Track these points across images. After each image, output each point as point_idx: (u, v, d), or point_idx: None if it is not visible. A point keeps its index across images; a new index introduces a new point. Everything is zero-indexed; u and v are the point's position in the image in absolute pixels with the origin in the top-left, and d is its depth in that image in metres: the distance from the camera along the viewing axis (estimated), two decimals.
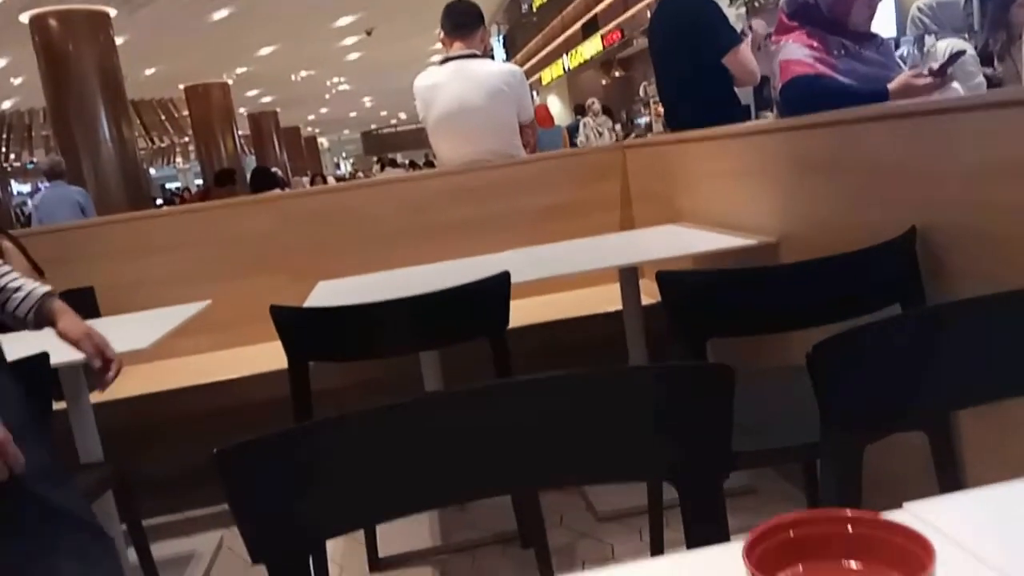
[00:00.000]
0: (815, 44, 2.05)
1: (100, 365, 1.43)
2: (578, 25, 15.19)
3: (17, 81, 13.89)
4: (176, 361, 3.00)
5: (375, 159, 23.48)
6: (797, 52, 2.07)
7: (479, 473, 0.93)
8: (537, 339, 2.74)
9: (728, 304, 1.50)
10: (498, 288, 1.77)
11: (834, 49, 2.03)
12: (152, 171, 23.58)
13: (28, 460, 1.12)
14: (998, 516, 0.64)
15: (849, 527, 0.48)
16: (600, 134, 8.12)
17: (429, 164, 16.20)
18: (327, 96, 22.40)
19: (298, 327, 1.76)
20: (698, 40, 3.05)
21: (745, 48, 3.06)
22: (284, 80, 17.41)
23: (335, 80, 20.07)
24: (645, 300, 2.52)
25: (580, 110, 12.64)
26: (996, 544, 0.58)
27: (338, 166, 30.22)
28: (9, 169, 22.33)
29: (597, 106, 9.42)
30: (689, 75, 3.12)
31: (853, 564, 0.47)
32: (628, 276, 2.46)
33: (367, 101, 25.20)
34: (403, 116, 28.24)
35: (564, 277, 2.56)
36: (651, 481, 1.58)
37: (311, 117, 26.34)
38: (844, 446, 0.86)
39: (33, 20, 9.82)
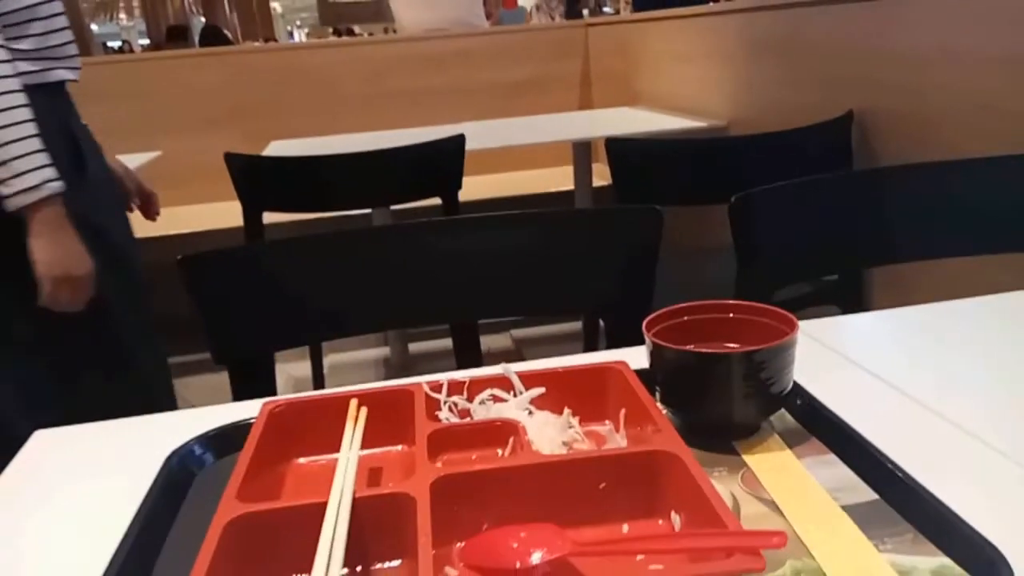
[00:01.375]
0: None
1: (139, 204, 1.46)
2: None
3: None
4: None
5: (331, 29, 22.53)
6: None
7: (422, 301, 1.00)
8: (488, 213, 2.80)
9: (671, 174, 1.57)
10: (452, 149, 1.80)
11: None
12: (94, 27, 22.31)
13: None
14: (885, 336, 0.74)
15: (731, 313, 0.56)
16: (552, 19, 7.98)
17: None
18: None
19: (253, 176, 1.78)
20: None
21: None
22: None
23: None
24: (597, 182, 2.59)
25: None
26: (878, 357, 0.68)
27: (292, 35, 28.93)
28: None
29: None
30: None
31: (732, 345, 0.55)
32: (581, 151, 2.52)
33: None
34: None
35: (517, 150, 2.59)
36: (583, 318, 1.67)
37: None
38: (754, 286, 0.95)
39: None
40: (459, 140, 1.81)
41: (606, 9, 14.23)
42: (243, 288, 0.93)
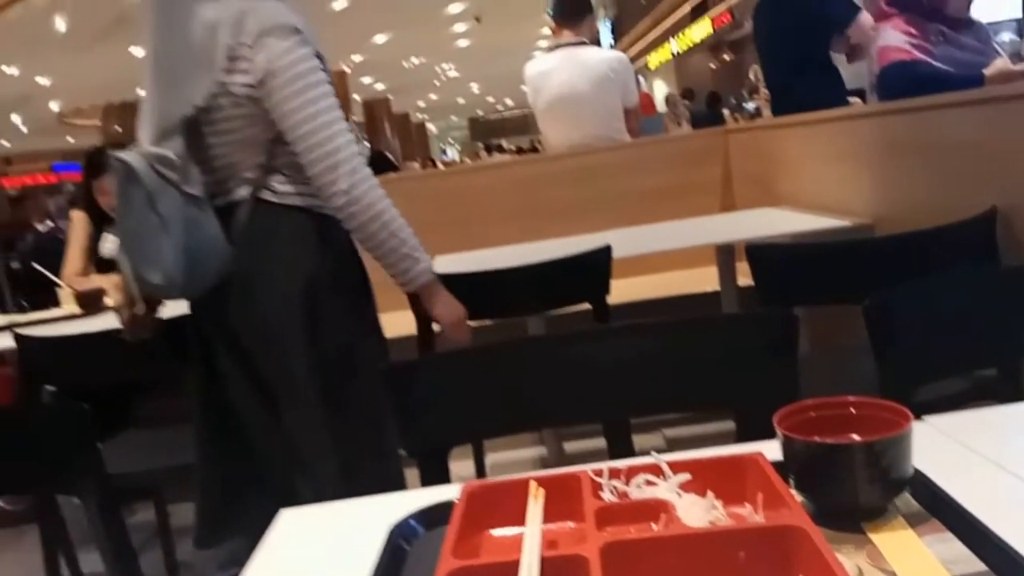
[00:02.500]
0: (912, 31, 2.12)
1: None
2: (687, 7, 15.03)
3: None
4: None
5: (481, 145, 23.87)
6: (895, 38, 2.15)
7: (577, 402, 1.12)
8: (636, 315, 2.91)
9: (811, 275, 1.64)
10: (600, 259, 1.95)
11: (931, 35, 2.11)
12: None
13: None
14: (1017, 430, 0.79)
15: (852, 409, 0.65)
16: (679, 124, 8.24)
17: (534, 149, 16.37)
18: (436, 83, 22.96)
19: None
20: (811, 23, 3.07)
21: (867, 16, 3.03)
22: (396, 67, 17.99)
23: (444, 67, 20.56)
24: (743, 282, 2.65)
25: (688, 95, 12.53)
26: (1016, 453, 0.74)
27: (444, 152, 30.89)
28: None
29: (675, 97, 9.58)
30: (797, 61, 3.16)
31: (855, 437, 0.64)
32: (725, 254, 2.60)
33: (475, 87, 25.64)
34: (509, 102, 28.56)
35: (663, 254, 2.71)
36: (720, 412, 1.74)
37: (421, 103, 27.01)
38: (896, 382, 1.01)
39: None
40: (606, 251, 1.96)
41: (747, 105, 14.35)
42: (430, 392, 1.09)
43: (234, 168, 1.52)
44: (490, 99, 28.81)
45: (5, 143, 21.37)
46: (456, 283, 2.00)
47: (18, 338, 1.99)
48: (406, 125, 26.67)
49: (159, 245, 1.42)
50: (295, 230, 1.53)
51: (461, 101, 28.04)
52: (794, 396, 1.09)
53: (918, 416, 0.75)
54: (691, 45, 15.48)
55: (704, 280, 3.01)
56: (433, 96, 25.70)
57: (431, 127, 33.03)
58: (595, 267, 1.97)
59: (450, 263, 2.67)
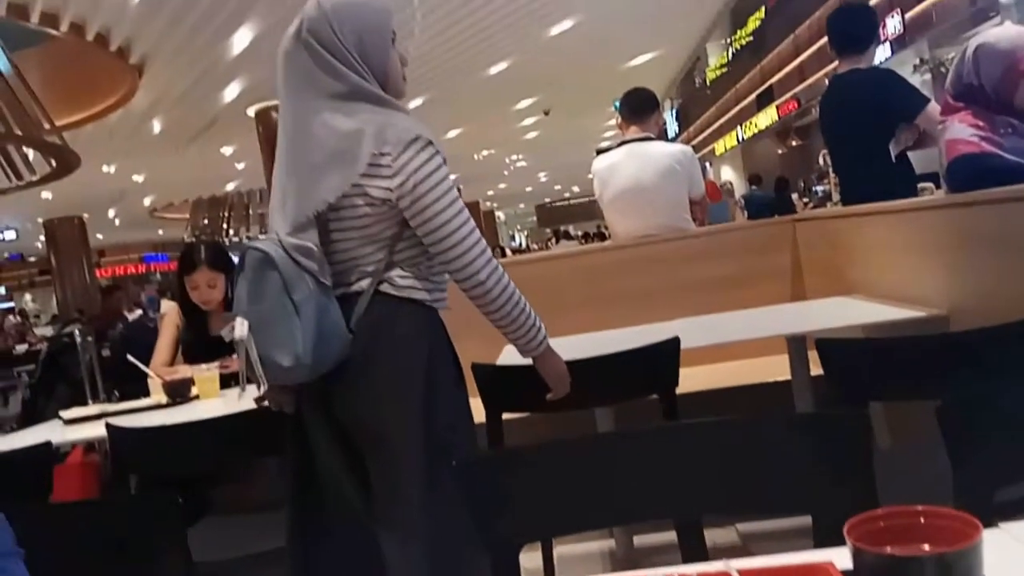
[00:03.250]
0: (981, 124, 2.12)
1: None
2: (752, 96, 15.20)
3: (240, 166, 15.81)
4: None
5: (549, 231, 24.21)
6: (963, 131, 2.15)
7: (647, 498, 1.13)
8: (706, 405, 2.87)
9: (884, 370, 1.61)
10: (668, 350, 1.97)
11: (1000, 128, 2.10)
12: None
13: None
14: None
15: (921, 519, 0.65)
16: (734, 218, 8.36)
17: (600, 235, 16.49)
18: (505, 172, 23.58)
19: (494, 382, 2.05)
20: (878, 113, 3.07)
21: (935, 105, 3.01)
22: (467, 159, 18.60)
23: (513, 157, 21.14)
24: (815, 371, 2.60)
25: (755, 180, 12.55)
26: None
27: (513, 238, 31.40)
28: (227, 243, 25.21)
29: (729, 186, 9.67)
30: (864, 150, 3.16)
31: (926, 547, 0.64)
32: (796, 345, 2.57)
33: (542, 176, 26.21)
34: (576, 189, 29.04)
35: (732, 345, 2.69)
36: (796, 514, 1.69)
37: (490, 192, 27.72)
38: (972, 485, 0.99)
39: (258, 113, 11.26)
40: (674, 343, 1.98)
41: (817, 188, 14.26)
42: (501, 487, 1.11)
43: (356, 261, 1.65)
44: (557, 187, 29.36)
45: (100, 236, 22.69)
46: (522, 375, 2.04)
47: (109, 428, 2.09)
48: (476, 213, 27.25)
49: (291, 330, 1.54)
50: (410, 321, 1.66)
51: (529, 189, 28.66)
52: (869, 496, 1.08)
53: (994, 521, 0.75)
54: (757, 132, 15.57)
55: (774, 369, 2.96)
56: (502, 185, 26.36)
57: (500, 214, 33.71)
58: (663, 359, 1.99)
59: (516, 354, 2.70)
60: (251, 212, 21.42)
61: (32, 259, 24.00)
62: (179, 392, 2.77)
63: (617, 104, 3.80)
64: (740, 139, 16.64)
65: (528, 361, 2.01)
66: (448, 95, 12.04)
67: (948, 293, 2.24)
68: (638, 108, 3.49)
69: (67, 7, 7.21)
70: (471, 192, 24.76)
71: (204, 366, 2.83)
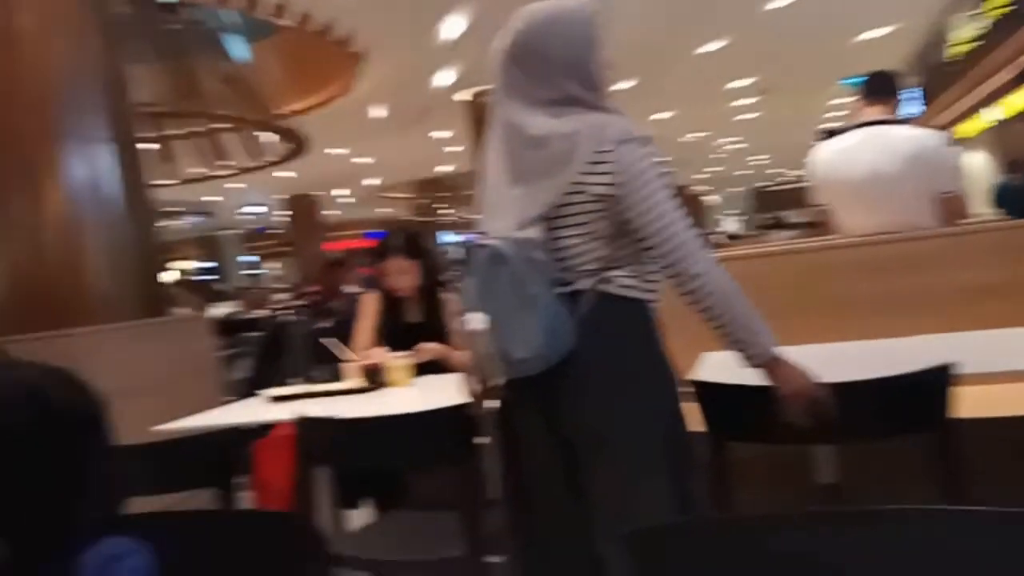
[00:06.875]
0: None
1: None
2: (1006, 73, 13.34)
3: (452, 150, 16.36)
4: None
5: (763, 217, 23.01)
6: None
7: None
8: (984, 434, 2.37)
9: None
10: (934, 381, 1.59)
11: None
12: None
13: None
14: None
15: None
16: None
17: (813, 226, 15.31)
18: (715, 156, 22.64)
19: (722, 403, 1.81)
20: None
21: None
22: (671, 142, 17.99)
23: (724, 139, 20.22)
24: None
25: (1016, 167, 11.02)
26: None
27: (721, 223, 30.19)
28: (440, 223, 26.44)
29: None
30: None
31: None
32: None
33: (757, 159, 24.92)
34: (794, 174, 27.33)
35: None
36: None
37: (696, 176, 26.79)
38: None
39: (468, 99, 11.55)
40: (942, 373, 1.59)
41: None
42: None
43: (578, 259, 1.68)
44: (773, 170, 27.80)
45: (337, 212, 24.65)
46: (728, 395, 1.77)
47: (299, 420, 2.09)
48: (681, 199, 26.45)
49: (527, 322, 1.59)
50: (631, 320, 1.68)
51: (742, 172, 27.36)
52: None
53: None
54: (1017, 112, 13.67)
55: None
56: (711, 169, 25.36)
57: (711, 199, 32.63)
58: (926, 391, 1.60)
59: (720, 368, 2.36)
60: (461, 194, 22.22)
61: (273, 232, 26.55)
62: (374, 378, 2.78)
63: (846, 81, 3.34)
64: (996, 120, 14.73)
65: (732, 378, 1.76)
66: (656, 78, 11.62)
67: None
68: (881, 87, 3.04)
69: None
70: (677, 176, 24.01)
71: (398, 354, 2.82)
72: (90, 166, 4.23)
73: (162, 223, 9.62)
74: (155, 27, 8.74)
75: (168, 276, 7.78)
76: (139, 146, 4.74)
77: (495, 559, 1.96)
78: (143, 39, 8.23)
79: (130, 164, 4.45)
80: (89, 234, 4.20)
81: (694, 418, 1.80)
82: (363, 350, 3.03)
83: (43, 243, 4.13)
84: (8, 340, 3.62)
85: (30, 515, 0.98)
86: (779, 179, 29.32)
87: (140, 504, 1.15)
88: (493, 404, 1.85)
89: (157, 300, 4.55)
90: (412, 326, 3.06)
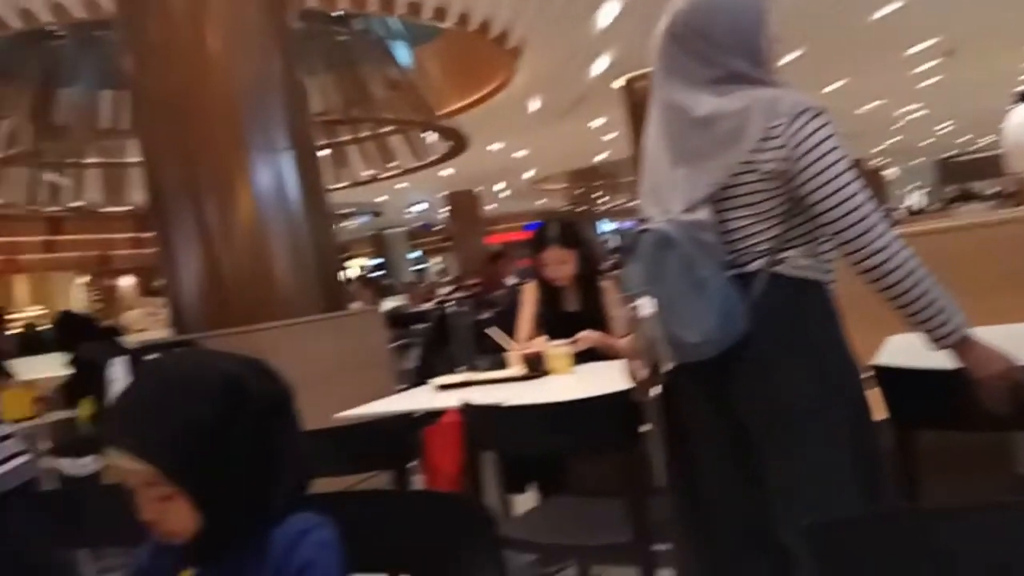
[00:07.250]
0: None
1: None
2: None
3: (608, 137, 16.23)
4: None
5: (951, 189, 21.18)
6: None
7: None
8: None
9: None
10: None
11: None
12: None
13: None
14: None
15: None
16: None
17: (1012, 195, 13.91)
18: (894, 127, 21.04)
19: (910, 389, 1.72)
20: None
21: None
22: (848, 114, 16.90)
23: (905, 108, 18.74)
24: None
25: None
26: None
27: (904, 199, 28.04)
28: (597, 212, 26.37)
29: None
30: None
31: None
32: None
33: (943, 127, 22.92)
34: (982, 142, 24.91)
35: None
36: None
37: (873, 149, 25.01)
38: None
39: (625, 85, 11.41)
40: None
41: None
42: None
43: (749, 240, 1.62)
44: (960, 139, 25.47)
45: (494, 206, 25.19)
46: (914, 381, 1.65)
47: (463, 408, 2.16)
48: (860, 172, 24.84)
49: (698, 306, 1.54)
50: (808, 301, 1.61)
51: (926, 142, 25.27)
52: None
53: None
54: None
55: None
56: (892, 139, 23.60)
57: (890, 172, 30.44)
58: None
59: (904, 353, 2.20)
60: (619, 181, 22.02)
61: (436, 228, 27.54)
62: (535, 366, 2.83)
63: None
64: None
65: (918, 362, 1.64)
66: (827, 47, 10.94)
67: None
68: None
69: (454, 1, 7.88)
70: (853, 149, 22.51)
71: (557, 342, 2.85)
72: (274, 174, 4.57)
73: (337, 224, 10.18)
74: (327, 39, 9.30)
75: (348, 273, 8.24)
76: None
77: (661, 547, 1.94)
78: (316, 51, 8.77)
79: (308, 170, 4.77)
80: (274, 237, 4.55)
81: (877, 405, 1.70)
82: (524, 339, 3.09)
83: (235, 246, 4.51)
84: (205, 336, 4.00)
85: (229, 493, 1.08)
86: (968, 148, 26.84)
87: (322, 485, 1.23)
88: (657, 391, 1.82)
89: (336, 296, 4.86)
90: (571, 315, 3.07)
